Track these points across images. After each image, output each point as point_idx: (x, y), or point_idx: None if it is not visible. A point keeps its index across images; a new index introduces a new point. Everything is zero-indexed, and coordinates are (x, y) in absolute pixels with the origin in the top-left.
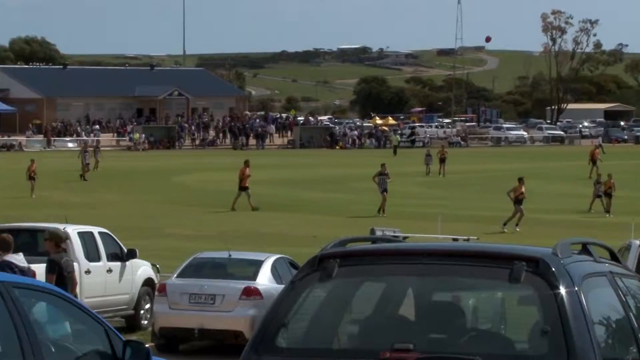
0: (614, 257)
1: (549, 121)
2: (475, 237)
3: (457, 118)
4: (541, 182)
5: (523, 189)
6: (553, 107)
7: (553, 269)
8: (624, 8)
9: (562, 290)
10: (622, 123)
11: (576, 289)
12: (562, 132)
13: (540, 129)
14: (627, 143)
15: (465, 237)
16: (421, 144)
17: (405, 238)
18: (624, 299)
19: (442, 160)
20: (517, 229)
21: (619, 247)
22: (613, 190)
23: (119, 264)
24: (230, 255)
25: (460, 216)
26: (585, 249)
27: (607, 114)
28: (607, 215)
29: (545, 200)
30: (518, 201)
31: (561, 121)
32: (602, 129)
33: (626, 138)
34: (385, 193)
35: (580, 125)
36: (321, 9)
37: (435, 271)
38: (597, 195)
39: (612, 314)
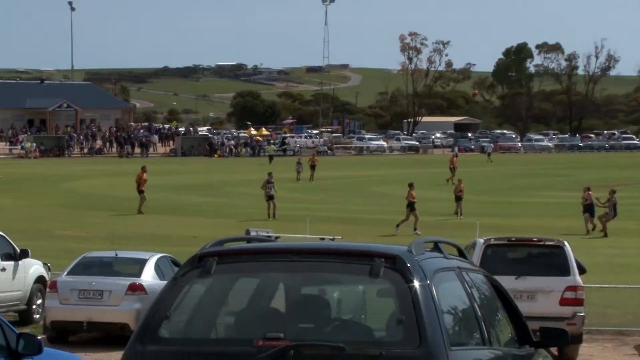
0: (461, 253)
1: (405, 132)
2: (340, 237)
3: (324, 129)
4: (399, 187)
5: (414, 193)
6: (409, 119)
7: (408, 265)
8: (472, 31)
9: (416, 284)
10: (469, 134)
11: (428, 282)
12: (417, 142)
13: (398, 139)
14: (473, 152)
15: (331, 237)
16: (292, 153)
17: (277, 238)
18: (469, 291)
19: (312, 167)
20: (418, 232)
21: (465, 245)
22: (462, 194)
23: (12, 263)
24: (116, 255)
25: (327, 217)
26: (436, 247)
27: (457, 126)
28: (458, 217)
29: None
30: (410, 205)
31: (416, 132)
32: (452, 139)
33: (473, 147)
34: (271, 200)
35: (433, 136)
36: (200, 27)
37: (304, 268)
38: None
39: (459, 304)
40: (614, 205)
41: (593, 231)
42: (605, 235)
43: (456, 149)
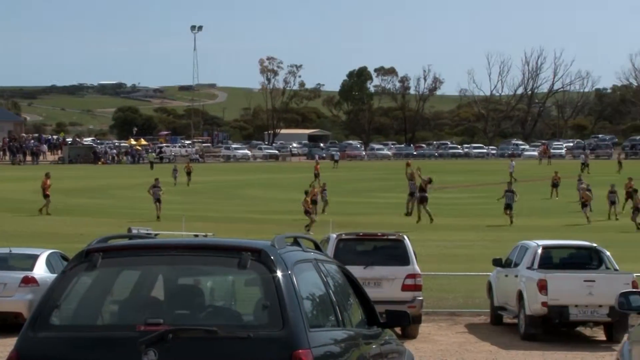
0: (317, 247)
1: (266, 142)
2: (212, 233)
3: (195, 140)
4: (263, 190)
5: (316, 191)
6: (269, 131)
7: (272, 258)
8: (321, 55)
9: (279, 274)
10: (321, 144)
11: (289, 272)
12: (276, 151)
13: (260, 148)
14: (324, 160)
15: (204, 234)
16: (167, 161)
17: (156, 235)
18: (325, 280)
19: (188, 174)
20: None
21: (321, 240)
22: (316, 197)
23: None
24: (10, 251)
25: (201, 217)
26: (296, 242)
27: (311, 137)
28: (323, 214)
29: (269, 204)
30: (314, 202)
31: (276, 142)
32: (307, 149)
33: (324, 156)
34: (159, 202)
35: (290, 146)
36: (85, 49)
37: (180, 261)
38: (325, 200)
39: (316, 291)
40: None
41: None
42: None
43: (317, 156)
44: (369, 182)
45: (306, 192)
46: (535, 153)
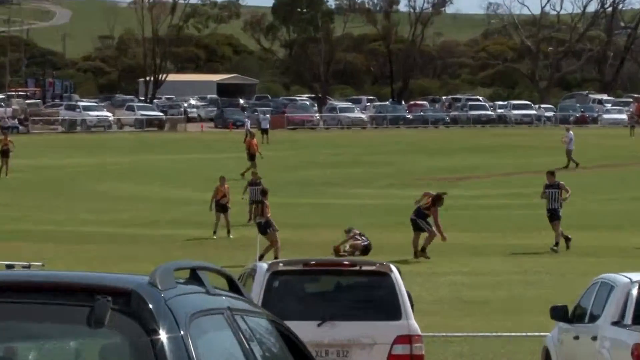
0: (233, 286)
1: (142, 98)
2: (42, 262)
3: (13, 92)
4: (136, 183)
5: (226, 187)
6: (148, 78)
7: (150, 307)
8: None
9: (163, 337)
10: (241, 101)
11: (182, 333)
12: (161, 114)
13: (131, 109)
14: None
15: (28, 263)
16: None
17: None
18: (247, 346)
19: (4, 154)
20: (215, 237)
21: (241, 273)
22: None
23: None
24: None
25: (22, 232)
26: (194, 276)
27: (222, 88)
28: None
29: (152, 209)
30: (221, 207)
31: (159, 98)
32: (216, 109)
33: (245, 121)
34: None
35: (186, 104)
36: None
37: None
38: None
39: None
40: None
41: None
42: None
43: (248, 122)
44: (328, 167)
45: (263, 191)
46: (623, 117)
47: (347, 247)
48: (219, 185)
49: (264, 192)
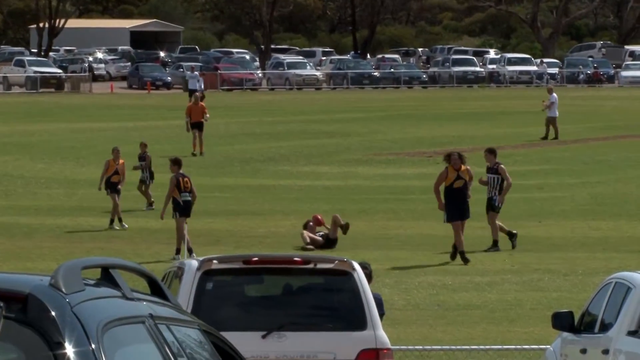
0: (156, 289)
1: (35, 50)
2: None
3: None
4: (32, 161)
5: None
6: (42, 24)
7: (53, 314)
8: None
9: (69, 351)
10: (161, 54)
11: (92, 347)
12: (59, 71)
13: (21, 64)
14: (170, 89)
15: None
16: None
17: None
18: None
19: None
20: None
21: (164, 272)
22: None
23: None
24: None
25: None
26: (107, 277)
27: (137, 37)
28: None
29: (46, 191)
30: (112, 186)
31: (57, 50)
32: (129, 64)
33: (169, 80)
34: None
35: (91, 58)
36: None
37: None
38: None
39: None
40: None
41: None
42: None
43: (200, 83)
44: (272, 140)
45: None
46: None
47: (308, 238)
48: (111, 160)
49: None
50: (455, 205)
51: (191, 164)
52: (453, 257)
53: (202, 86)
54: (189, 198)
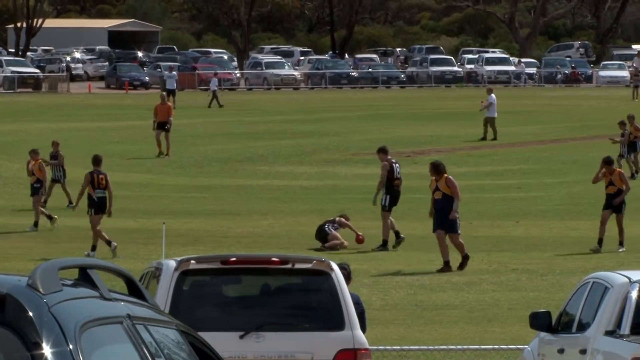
0: (134, 289)
1: (12, 50)
2: None
3: None
4: (9, 161)
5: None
6: (20, 24)
7: (30, 314)
8: None
9: (47, 351)
10: (139, 54)
11: (70, 347)
12: (36, 71)
13: None
14: (148, 89)
15: None
16: None
17: None
18: None
19: None
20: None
21: (142, 273)
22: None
23: None
24: None
25: None
26: (85, 277)
27: (115, 36)
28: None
29: (21, 191)
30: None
31: (34, 50)
32: (108, 64)
33: (147, 80)
34: None
35: (69, 58)
36: None
37: None
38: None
39: None
40: None
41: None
42: None
43: (215, 81)
44: (250, 139)
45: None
46: (624, 74)
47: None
48: (29, 160)
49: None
50: (436, 215)
51: (169, 164)
52: (461, 267)
53: (175, 84)
54: (104, 195)
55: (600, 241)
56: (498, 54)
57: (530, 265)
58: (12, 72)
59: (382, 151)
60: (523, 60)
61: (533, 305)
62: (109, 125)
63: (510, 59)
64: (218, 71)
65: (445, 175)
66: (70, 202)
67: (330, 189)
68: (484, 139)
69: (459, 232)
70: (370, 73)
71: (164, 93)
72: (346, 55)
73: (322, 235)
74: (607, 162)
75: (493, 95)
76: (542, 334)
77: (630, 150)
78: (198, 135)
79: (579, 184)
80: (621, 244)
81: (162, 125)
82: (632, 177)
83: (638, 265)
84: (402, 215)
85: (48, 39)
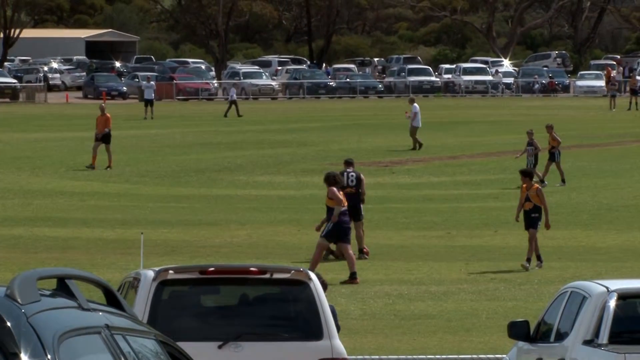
0: (112, 299)
1: None
2: None
3: None
4: None
5: None
6: None
7: (8, 325)
8: None
9: None
10: (117, 64)
11: (48, 357)
12: (14, 81)
13: None
14: (125, 99)
15: None
16: None
17: None
18: None
19: None
20: None
21: (120, 282)
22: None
23: None
24: None
25: None
26: (63, 287)
27: (92, 47)
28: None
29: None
30: None
31: (11, 60)
32: (85, 74)
33: (124, 90)
34: None
35: (46, 68)
36: None
37: None
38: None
39: None
40: None
41: None
42: None
43: (233, 92)
44: (228, 149)
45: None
46: (601, 83)
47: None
48: None
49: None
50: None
51: (146, 174)
52: None
53: (153, 94)
54: None
55: (537, 257)
56: (509, 67)
57: (508, 274)
58: None
59: (347, 163)
60: (500, 70)
61: (511, 314)
62: (86, 135)
63: (488, 68)
64: (196, 81)
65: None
66: None
67: (309, 198)
68: (414, 148)
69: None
70: (348, 83)
71: (103, 105)
72: (324, 65)
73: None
74: (524, 173)
75: (416, 105)
76: (521, 343)
77: (550, 159)
78: (176, 145)
79: (556, 194)
80: (539, 258)
81: (101, 137)
82: (563, 182)
83: (615, 275)
84: (378, 225)
85: (25, 49)
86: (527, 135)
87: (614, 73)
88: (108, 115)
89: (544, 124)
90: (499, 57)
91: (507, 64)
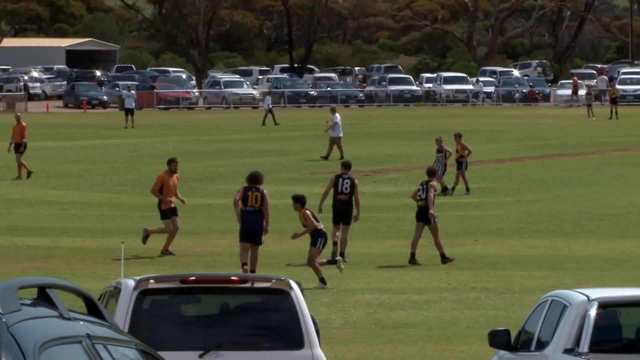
0: (93, 308)
1: None
2: None
3: None
4: None
5: None
6: None
7: None
8: None
9: None
10: (98, 73)
11: None
12: None
13: None
14: (106, 108)
15: None
16: None
17: None
18: None
19: None
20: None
21: (101, 292)
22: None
23: None
24: None
25: None
26: (44, 296)
27: (73, 55)
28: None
29: None
30: None
31: (4, 69)
32: (65, 83)
33: (105, 99)
34: None
35: (26, 77)
36: None
37: None
38: None
39: None
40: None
41: None
42: None
43: (269, 100)
44: (209, 158)
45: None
46: (580, 93)
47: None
48: None
49: None
50: None
51: (127, 183)
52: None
53: (134, 104)
54: None
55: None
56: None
57: (489, 283)
58: None
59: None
60: (481, 79)
61: (492, 323)
62: (67, 144)
63: (468, 78)
64: (177, 90)
65: None
66: None
67: (290, 207)
68: (326, 158)
69: None
70: (329, 92)
71: (18, 114)
72: (304, 74)
73: None
74: (429, 172)
75: (337, 114)
76: (501, 352)
77: (459, 168)
78: (157, 155)
79: (537, 203)
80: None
81: (15, 147)
82: (467, 191)
83: (596, 284)
84: (357, 234)
85: (5, 58)
86: (436, 143)
87: (587, 82)
88: (24, 124)
89: (452, 133)
90: (480, 66)
91: (516, 73)
